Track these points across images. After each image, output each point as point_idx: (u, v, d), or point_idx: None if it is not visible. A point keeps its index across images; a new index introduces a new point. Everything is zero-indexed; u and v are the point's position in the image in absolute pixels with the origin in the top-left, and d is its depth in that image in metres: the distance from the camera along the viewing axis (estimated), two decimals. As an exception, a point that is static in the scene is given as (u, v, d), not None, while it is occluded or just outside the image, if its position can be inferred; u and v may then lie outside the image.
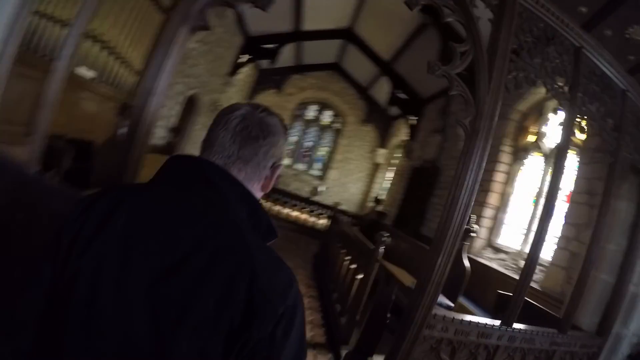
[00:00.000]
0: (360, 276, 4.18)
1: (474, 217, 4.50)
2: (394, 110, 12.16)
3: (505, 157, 6.01)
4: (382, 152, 13.62)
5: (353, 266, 4.56)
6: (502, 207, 5.92)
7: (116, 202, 0.76)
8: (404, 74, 10.28)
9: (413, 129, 10.58)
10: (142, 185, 0.85)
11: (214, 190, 0.78)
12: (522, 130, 5.97)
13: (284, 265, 0.77)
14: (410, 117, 10.65)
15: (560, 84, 2.37)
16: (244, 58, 10.03)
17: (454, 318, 2.27)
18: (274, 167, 0.90)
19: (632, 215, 3.11)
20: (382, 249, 3.70)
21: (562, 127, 2.50)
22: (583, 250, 4.07)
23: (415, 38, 8.30)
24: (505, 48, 2.16)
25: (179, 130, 7.91)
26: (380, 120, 13.75)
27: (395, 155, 12.98)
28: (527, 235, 5.37)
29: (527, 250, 5.26)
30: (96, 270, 0.70)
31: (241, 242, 0.73)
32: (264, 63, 10.91)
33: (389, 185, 12.08)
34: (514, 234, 5.70)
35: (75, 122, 5.04)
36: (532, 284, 4.69)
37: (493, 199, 5.96)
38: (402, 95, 10.62)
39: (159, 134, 7.47)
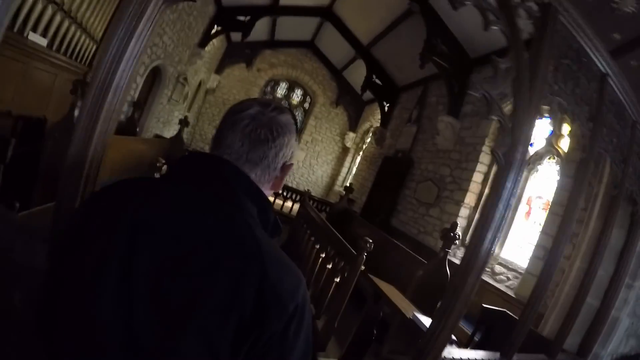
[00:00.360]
0: (337, 279, 4.01)
1: (457, 222, 4.45)
2: (367, 95, 11.92)
3: (484, 158, 5.98)
4: (351, 136, 13.44)
5: (329, 266, 4.38)
6: (478, 207, 5.94)
7: (126, 196, 0.75)
8: (381, 59, 10.03)
9: (385, 116, 10.44)
10: (153, 180, 0.83)
11: (227, 187, 0.77)
12: (503, 133, 5.95)
13: (292, 263, 0.76)
14: (384, 104, 10.48)
15: (586, 114, 2.21)
16: (216, 29, 9.37)
17: (461, 359, 2.14)
18: (285, 166, 0.88)
19: (622, 242, 3.11)
20: (364, 255, 3.51)
21: (581, 164, 2.37)
22: (562, 263, 4.15)
23: (398, 25, 8.02)
24: (546, 69, 1.93)
25: (140, 105, 7.26)
26: (351, 104, 13.49)
27: (365, 140, 12.85)
28: (501, 239, 5.42)
29: (503, 255, 5.37)
30: (101, 264, 0.67)
31: (252, 239, 0.71)
32: (236, 36, 10.24)
33: (357, 171, 11.97)
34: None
35: (23, 96, 4.43)
36: (507, 291, 4.79)
37: (469, 198, 5.96)
38: (377, 81, 10.39)
39: (120, 108, 6.82)
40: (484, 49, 6.63)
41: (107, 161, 4.97)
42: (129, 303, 0.64)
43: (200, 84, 11.47)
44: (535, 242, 4.86)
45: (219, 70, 12.11)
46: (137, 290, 0.65)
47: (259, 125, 0.81)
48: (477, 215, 5.90)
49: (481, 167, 6.00)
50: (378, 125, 10.79)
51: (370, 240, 3.38)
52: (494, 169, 5.97)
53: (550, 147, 5.22)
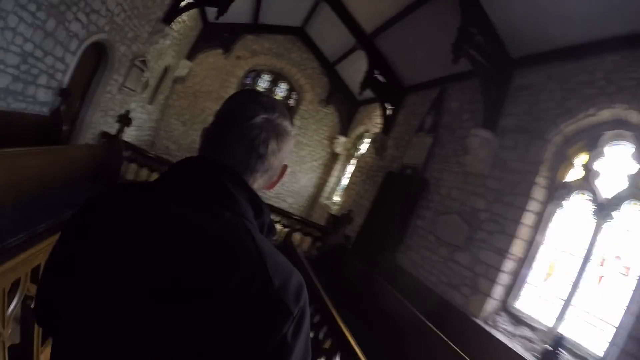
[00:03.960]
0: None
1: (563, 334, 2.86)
2: (365, 94, 10.19)
3: (538, 192, 4.37)
4: (342, 140, 11.73)
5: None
6: (526, 259, 4.32)
7: (119, 209, 0.71)
8: (386, 52, 8.34)
9: (388, 121, 8.76)
10: (150, 187, 0.75)
11: (227, 195, 0.71)
12: (564, 160, 4.32)
13: (290, 265, 0.72)
14: (386, 106, 8.80)
15: None
16: (186, 2, 7.51)
17: None
18: (282, 168, 0.84)
19: None
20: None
21: None
22: None
23: (416, 9, 6.35)
24: None
25: (70, 93, 5.31)
26: (344, 103, 11.79)
27: (358, 146, 11.18)
28: (564, 307, 3.80)
29: (562, 329, 3.79)
30: (95, 284, 0.65)
31: (254, 248, 0.67)
32: (213, 14, 8.33)
33: (349, 184, 10.24)
34: (541, 300, 4.12)
35: None
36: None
37: (517, 247, 4.33)
38: (380, 78, 8.69)
39: (40, 98, 4.89)
40: (531, 48, 5.04)
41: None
42: (131, 321, 0.62)
43: (166, 70, 9.52)
44: (617, 324, 3.31)
45: (191, 55, 10.23)
46: (140, 309, 0.62)
47: (268, 136, 0.76)
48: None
49: (533, 205, 4.37)
50: (376, 130, 9.14)
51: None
52: (548, 208, 4.37)
53: (636, 189, 3.63)
